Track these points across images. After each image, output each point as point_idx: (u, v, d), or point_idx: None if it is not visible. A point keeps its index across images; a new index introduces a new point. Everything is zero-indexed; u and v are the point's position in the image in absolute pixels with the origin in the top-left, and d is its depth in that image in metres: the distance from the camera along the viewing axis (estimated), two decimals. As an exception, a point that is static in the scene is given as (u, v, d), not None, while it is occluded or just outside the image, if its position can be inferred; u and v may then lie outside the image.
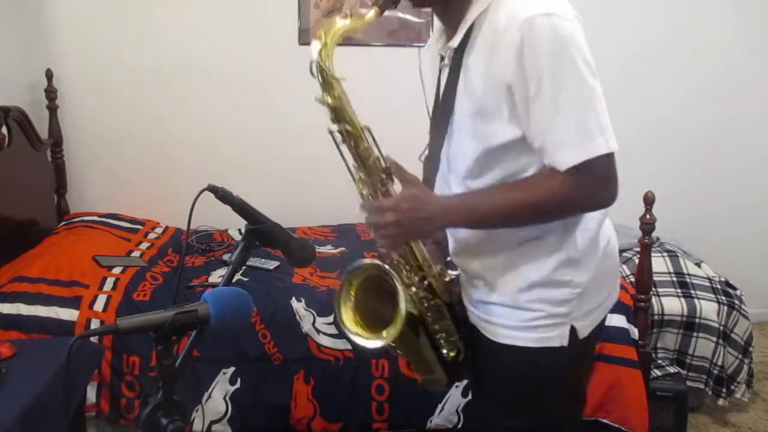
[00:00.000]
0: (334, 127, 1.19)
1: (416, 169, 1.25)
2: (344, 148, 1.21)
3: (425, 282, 1.27)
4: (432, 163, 1.28)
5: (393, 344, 1.31)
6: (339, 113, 1.17)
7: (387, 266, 1.21)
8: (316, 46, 1.15)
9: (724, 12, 3.28)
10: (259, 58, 3.14)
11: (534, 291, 1.22)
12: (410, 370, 1.65)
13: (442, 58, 1.25)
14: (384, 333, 1.21)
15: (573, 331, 1.23)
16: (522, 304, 1.22)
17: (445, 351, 1.34)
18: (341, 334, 2.19)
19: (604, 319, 1.33)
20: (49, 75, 2.95)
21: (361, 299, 1.27)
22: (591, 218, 1.23)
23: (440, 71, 1.25)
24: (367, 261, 1.25)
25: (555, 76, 1.05)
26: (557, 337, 1.22)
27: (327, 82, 1.16)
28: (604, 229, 1.28)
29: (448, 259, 1.38)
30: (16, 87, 2.92)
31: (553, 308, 1.22)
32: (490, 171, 1.19)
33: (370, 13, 1.16)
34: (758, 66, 3.35)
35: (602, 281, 1.28)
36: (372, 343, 1.23)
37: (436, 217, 1.17)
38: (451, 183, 1.29)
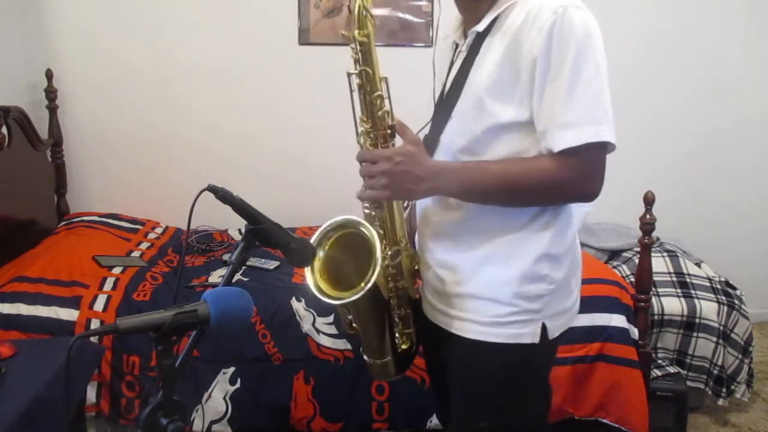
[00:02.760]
0: (354, 70, 1.20)
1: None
2: (356, 97, 1.21)
3: (398, 258, 1.28)
4: (430, 143, 1.28)
5: (353, 315, 1.32)
6: (365, 53, 1.18)
7: (371, 228, 1.22)
8: None
9: (725, 13, 3.28)
10: (259, 59, 3.14)
11: (512, 284, 1.21)
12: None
13: (457, 47, 1.28)
14: (348, 293, 1.21)
15: (544, 329, 1.24)
16: (497, 296, 1.22)
17: (399, 341, 1.34)
18: (341, 334, 2.20)
19: (567, 330, 1.32)
20: (49, 75, 2.95)
21: (333, 254, 1.28)
22: (576, 218, 1.26)
23: (453, 59, 1.28)
24: (354, 218, 1.25)
25: (577, 62, 1.10)
26: (529, 334, 1.23)
27: (362, 19, 1.17)
28: (576, 236, 1.31)
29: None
30: (16, 87, 2.92)
31: (527, 304, 1.22)
32: (490, 150, 1.19)
33: None
34: (758, 67, 3.35)
35: (573, 283, 1.30)
36: (331, 300, 1.23)
37: (426, 179, 1.16)
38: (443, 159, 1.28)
